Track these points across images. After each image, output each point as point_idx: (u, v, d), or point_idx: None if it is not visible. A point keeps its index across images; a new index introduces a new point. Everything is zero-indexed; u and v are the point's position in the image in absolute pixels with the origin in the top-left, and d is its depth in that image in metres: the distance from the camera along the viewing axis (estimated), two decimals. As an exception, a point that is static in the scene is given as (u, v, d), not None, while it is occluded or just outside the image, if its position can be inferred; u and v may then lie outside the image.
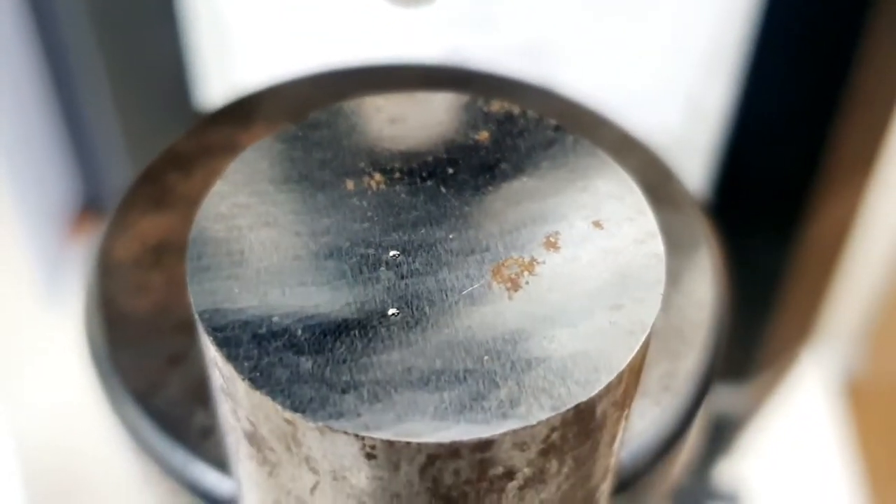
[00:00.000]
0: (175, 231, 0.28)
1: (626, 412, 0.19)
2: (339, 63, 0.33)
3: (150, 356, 0.26)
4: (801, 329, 0.52)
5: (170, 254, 0.28)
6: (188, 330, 0.26)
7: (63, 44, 0.49)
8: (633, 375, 0.19)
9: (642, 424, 0.25)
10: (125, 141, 0.49)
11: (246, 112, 0.31)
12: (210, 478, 0.24)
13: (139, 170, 0.30)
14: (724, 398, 0.51)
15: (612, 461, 0.20)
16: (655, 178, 0.30)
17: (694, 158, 0.45)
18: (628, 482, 0.25)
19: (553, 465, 0.18)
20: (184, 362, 0.26)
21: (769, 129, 0.45)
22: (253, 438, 0.19)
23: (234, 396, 0.18)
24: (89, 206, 0.66)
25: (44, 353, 0.61)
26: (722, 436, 0.54)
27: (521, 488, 0.18)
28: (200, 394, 0.25)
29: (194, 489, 0.25)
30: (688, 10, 0.40)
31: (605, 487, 0.21)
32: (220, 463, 0.24)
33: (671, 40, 0.41)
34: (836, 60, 0.41)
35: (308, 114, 0.22)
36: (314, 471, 0.18)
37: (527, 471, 0.18)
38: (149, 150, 0.49)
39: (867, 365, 0.68)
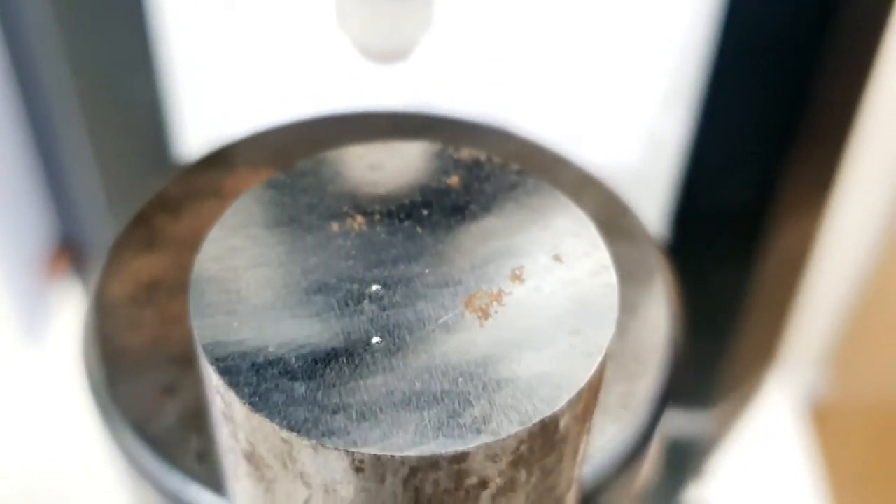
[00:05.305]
0: (166, 270, 0.30)
1: (586, 426, 0.22)
2: (314, 112, 0.35)
3: (146, 387, 0.28)
4: (764, 354, 0.53)
5: (161, 292, 0.30)
6: (181, 362, 0.28)
7: (40, 84, 0.50)
8: (591, 393, 0.21)
9: (603, 440, 0.27)
10: (102, 181, 0.50)
11: (229, 158, 0.33)
12: (206, 499, 0.26)
13: (129, 213, 0.32)
14: (689, 423, 0.52)
15: (576, 473, 0.23)
16: (612, 213, 0.32)
17: (653, 191, 0.47)
18: (591, 496, 0.27)
19: (522, 474, 0.20)
20: (178, 392, 0.28)
21: (725, 162, 0.46)
22: (251, 458, 0.21)
23: (234, 420, 0.20)
24: (65, 246, 0.67)
25: (19, 391, 0.62)
26: (689, 461, 0.56)
27: (493, 497, 0.20)
28: (195, 421, 0.27)
29: (190, 510, 0.26)
30: (645, 49, 0.43)
31: (570, 498, 0.23)
32: (216, 485, 0.26)
33: (629, 79, 0.44)
34: (789, 94, 0.42)
35: (288, 159, 0.24)
36: (307, 485, 0.20)
37: (499, 480, 0.20)
38: (124, 190, 0.50)
39: (832, 388, 0.70)
